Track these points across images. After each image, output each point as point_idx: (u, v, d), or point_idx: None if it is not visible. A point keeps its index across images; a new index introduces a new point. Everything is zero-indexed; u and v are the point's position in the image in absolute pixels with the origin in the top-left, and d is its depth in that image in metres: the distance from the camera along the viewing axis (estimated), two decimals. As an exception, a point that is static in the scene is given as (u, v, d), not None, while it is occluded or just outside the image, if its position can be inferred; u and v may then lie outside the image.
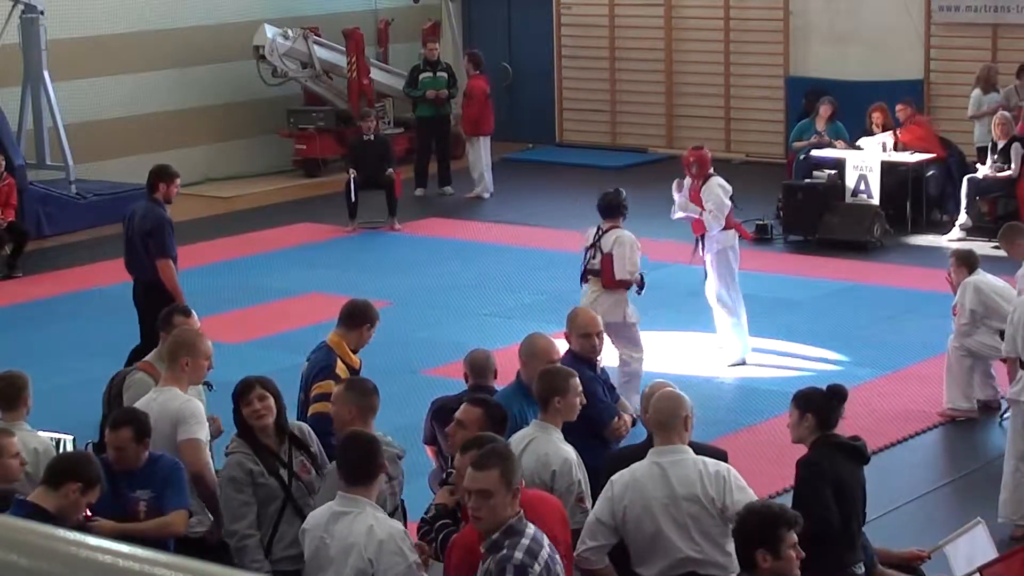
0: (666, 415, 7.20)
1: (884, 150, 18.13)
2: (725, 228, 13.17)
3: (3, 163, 17.51)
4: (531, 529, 6.06)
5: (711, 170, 13.31)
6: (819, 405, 7.62)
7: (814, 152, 18.71)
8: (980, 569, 7.52)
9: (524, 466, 7.29)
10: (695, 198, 13.22)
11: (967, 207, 17.81)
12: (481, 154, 20.90)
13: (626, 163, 22.58)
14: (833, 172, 18.06)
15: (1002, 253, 12.43)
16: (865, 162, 17.93)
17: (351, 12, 23.55)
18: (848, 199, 17.87)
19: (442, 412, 8.51)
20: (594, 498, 7.40)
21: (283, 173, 22.60)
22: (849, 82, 21.34)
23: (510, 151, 23.45)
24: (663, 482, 7.05)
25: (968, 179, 17.89)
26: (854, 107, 19.41)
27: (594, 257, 12.04)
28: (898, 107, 18.77)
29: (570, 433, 7.65)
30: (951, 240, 17.33)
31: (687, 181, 13.35)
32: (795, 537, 6.23)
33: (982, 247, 15.20)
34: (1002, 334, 11.63)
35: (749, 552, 6.26)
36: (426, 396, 9.56)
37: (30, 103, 19.59)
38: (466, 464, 6.54)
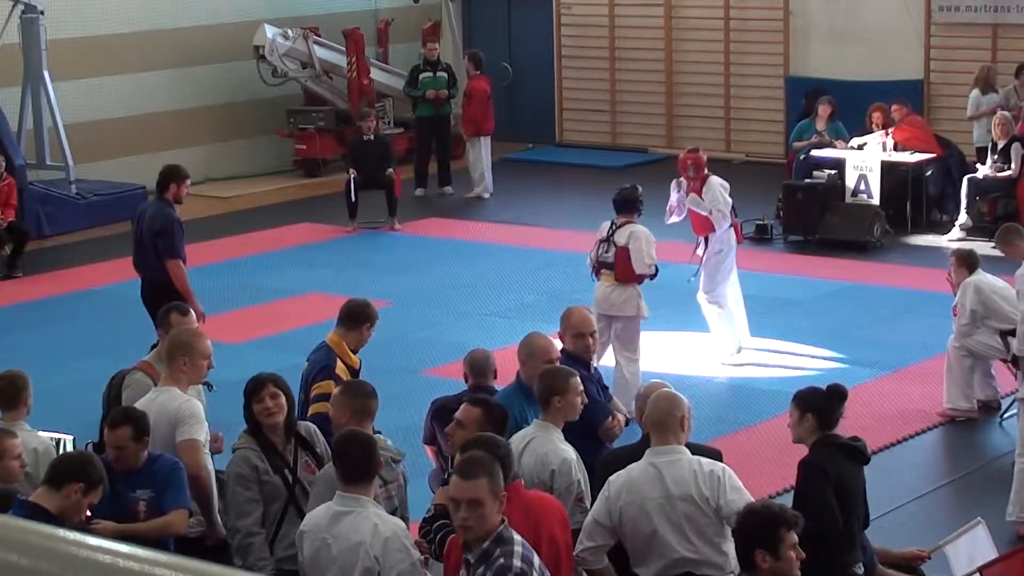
0: (662, 415, 7.20)
1: (884, 150, 18.12)
2: (712, 230, 13.30)
3: (3, 163, 17.52)
4: (517, 535, 6.06)
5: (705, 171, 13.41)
6: (820, 405, 7.62)
7: (814, 152, 18.71)
8: (980, 569, 7.52)
9: (524, 465, 7.30)
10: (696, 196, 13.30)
11: (967, 207, 17.81)
12: (482, 154, 20.90)
13: (626, 163, 22.58)
14: (833, 172, 18.06)
15: (1002, 253, 12.42)
16: (865, 162, 17.93)
17: (351, 12, 23.56)
18: (848, 199, 17.87)
19: (442, 412, 8.51)
20: (590, 498, 7.41)
21: (283, 173, 22.60)
22: (849, 82, 21.35)
23: (510, 151, 23.45)
24: (658, 482, 7.05)
25: (968, 179, 17.89)
26: (854, 107, 19.41)
27: (607, 251, 12.08)
28: (893, 107, 18.77)
29: (564, 432, 7.65)
30: (951, 240, 17.33)
31: (683, 182, 13.41)
32: (795, 538, 6.23)
33: (982, 247, 15.21)
34: (1002, 334, 11.66)
35: (749, 552, 6.26)
36: (426, 396, 9.56)
37: (30, 103, 19.59)
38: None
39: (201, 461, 7.87)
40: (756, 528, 6.27)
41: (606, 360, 12.10)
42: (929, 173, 18.36)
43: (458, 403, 7.88)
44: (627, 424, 8.95)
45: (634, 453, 7.57)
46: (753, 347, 13.79)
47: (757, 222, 18.02)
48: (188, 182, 12.34)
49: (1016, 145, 17.69)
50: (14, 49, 19.18)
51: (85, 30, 20.78)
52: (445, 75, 21.34)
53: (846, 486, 7.51)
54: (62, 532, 2.49)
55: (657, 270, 12.17)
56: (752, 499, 7.00)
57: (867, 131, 18.67)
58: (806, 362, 13.50)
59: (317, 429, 7.92)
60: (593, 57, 24.22)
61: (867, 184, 17.78)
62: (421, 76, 21.25)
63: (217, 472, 8.23)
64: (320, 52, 22.26)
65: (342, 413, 7.44)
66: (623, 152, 23.56)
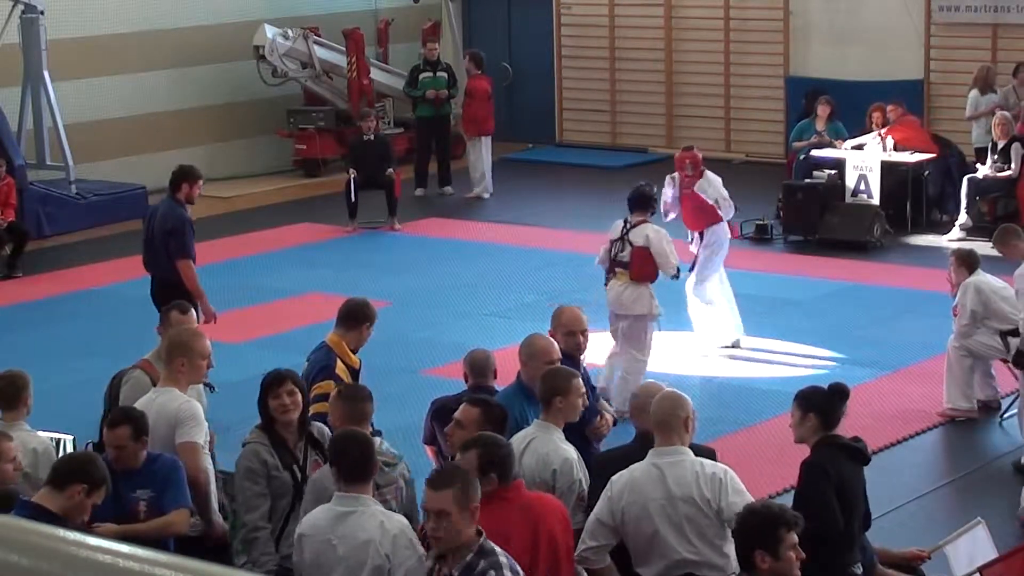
0: (665, 415, 7.20)
1: (884, 150, 18.12)
2: (716, 221, 13.39)
3: (3, 165, 17.51)
4: (496, 547, 6.05)
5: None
6: (822, 404, 7.62)
7: (814, 152, 18.71)
8: (980, 569, 7.52)
9: (525, 466, 7.31)
10: (691, 195, 13.37)
11: (967, 207, 17.81)
12: (482, 154, 20.90)
13: (626, 163, 22.58)
14: (833, 172, 18.06)
15: (1000, 254, 12.42)
16: (865, 162, 17.93)
17: (351, 12, 23.56)
18: (848, 199, 17.87)
19: (442, 412, 8.51)
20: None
21: (283, 173, 22.60)
22: (849, 82, 21.35)
23: (510, 151, 23.45)
24: (660, 483, 7.05)
25: (968, 179, 17.89)
26: (854, 107, 19.41)
27: (622, 250, 12.11)
28: (888, 107, 18.77)
29: None
30: (951, 240, 17.33)
31: (676, 177, 13.56)
32: (795, 538, 6.23)
33: (982, 247, 15.21)
34: (1002, 335, 11.66)
35: (748, 553, 6.25)
36: (426, 396, 9.56)
37: (30, 103, 19.59)
38: (468, 462, 6.55)
39: (200, 463, 7.87)
40: (756, 528, 6.26)
41: (596, 358, 12.08)
42: (927, 173, 18.36)
43: (458, 403, 7.88)
44: (615, 424, 8.93)
45: (628, 453, 7.57)
46: (753, 347, 13.80)
47: (757, 222, 18.02)
48: (201, 182, 12.35)
49: (1016, 145, 17.69)
50: (14, 49, 19.18)
51: (85, 30, 20.79)
52: (445, 75, 21.34)
53: (847, 487, 7.51)
54: (62, 532, 2.49)
55: (679, 271, 12.33)
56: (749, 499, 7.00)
57: (867, 131, 18.68)
58: (806, 362, 13.50)
59: (328, 430, 7.95)
60: (593, 57, 24.22)
61: (867, 184, 17.78)
62: (421, 76, 21.25)
63: (223, 472, 8.26)
64: (320, 52, 22.26)
65: (336, 418, 7.46)
66: (623, 152, 23.56)
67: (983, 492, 10.63)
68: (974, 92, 19.19)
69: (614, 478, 7.16)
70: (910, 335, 14.09)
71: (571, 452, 7.56)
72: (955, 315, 11.96)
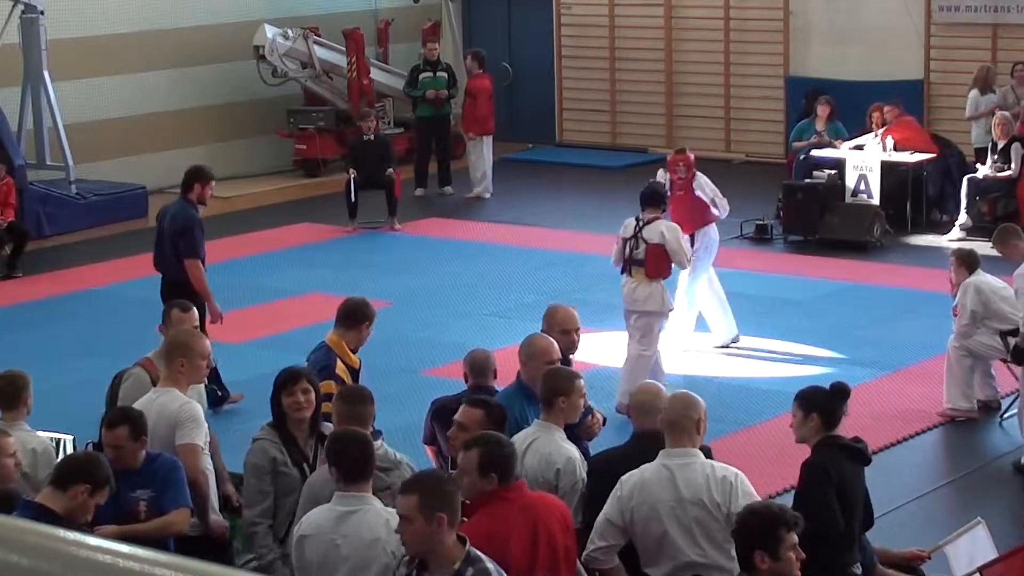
0: (677, 416, 7.17)
1: (884, 150, 18.11)
2: (708, 222, 13.42)
3: (4, 168, 17.51)
4: (482, 555, 6.01)
5: None
6: (824, 404, 7.61)
7: (814, 152, 18.70)
8: (980, 569, 7.51)
9: (527, 465, 7.30)
10: (686, 196, 13.51)
11: (967, 207, 17.80)
12: (484, 153, 20.91)
13: (626, 163, 22.58)
14: (833, 172, 18.06)
15: (999, 254, 12.42)
16: (865, 162, 17.93)
17: (351, 12, 23.55)
18: (848, 199, 17.87)
19: (442, 412, 8.51)
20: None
21: (283, 173, 22.60)
22: (849, 82, 21.35)
23: (510, 151, 23.45)
24: (670, 485, 7.03)
25: (968, 179, 17.89)
26: (854, 107, 19.41)
27: (636, 247, 12.14)
28: (886, 108, 18.77)
29: None
30: (951, 240, 17.33)
31: (666, 176, 13.74)
32: (795, 538, 6.22)
33: (982, 247, 15.20)
34: (1002, 335, 11.67)
35: (748, 553, 6.25)
36: (426, 396, 9.56)
37: (30, 103, 19.59)
38: (468, 461, 6.55)
39: (200, 465, 7.87)
40: (755, 529, 6.26)
41: (596, 359, 12.10)
42: (926, 173, 18.35)
43: (458, 403, 7.88)
44: (604, 423, 8.92)
45: (626, 454, 7.57)
46: (753, 347, 13.81)
47: (757, 222, 18.02)
48: (213, 183, 12.36)
49: (1016, 145, 17.69)
50: (14, 49, 19.19)
51: (85, 30, 20.78)
52: (445, 75, 21.34)
53: (847, 487, 7.51)
54: (62, 532, 2.49)
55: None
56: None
57: (867, 131, 18.67)
58: (806, 362, 13.50)
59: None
60: (593, 57, 24.21)
61: (867, 184, 17.78)
62: (421, 76, 21.24)
63: (232, 474, 8.29)
64: (320, 52, 22.26)
65: (337, 418, 7.46)
66: (623, 152, 23.55)
67: (983, 492, 10.63)
68: (974, 92, 19.19)
69: (624, 478, 7.14)
70: (910, 335, 14.09)
71: (574, 451, 7.56)
72: (955, 315, 11.97)
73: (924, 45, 21.48)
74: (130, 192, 20.09)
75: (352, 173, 18.81)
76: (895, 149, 18.21)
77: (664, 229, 12.14)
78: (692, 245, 13.42)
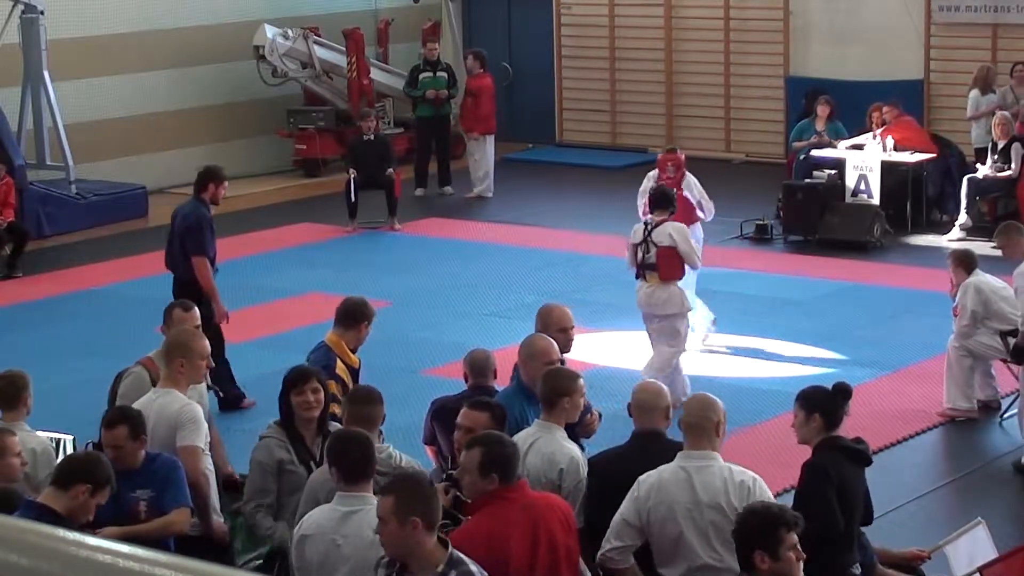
0: (697, 418, 7.14)
1: (884, 150, 18.11)
2: (693, 223, 13.53)
3: (4, 168, 17.51)
4: (465, 557, 6.00)
5: None
6: (826, 404, 7.61)
7: (814, 152, 18.70)
8: (980, 569, 7.51)
9: (529, 465, 7.29)
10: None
11: (967, 207, 17.81)
12: (487, 152, 20.93)
13: (626, 163, 22.57)
14: (833, 172, 18.06)
15: (1000, 249, 12.41)
16: (865, 162, 17.93)
17: (351, 12, 23.56)
18: (848, 199, 17.87)
19: (442, 412, 8.51)
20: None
21: (283, 173, 22.60)
22: (849, 82, 21.35)
23: (510, 151, 23.44)
24: (687, 487, 7.01)
25: (968, 179, 17.89)
26: (854, 107, 19.41)
27: (648, 252, 12.20)
28: (884, 108, 18.77)
29: None
30: (951, 240, 17.33)
31: (654, 175, 13.87)
32: (795, 538, 6.22)
33: (982, 247, 15.21)
34: (1002, 335, 11.67)
35: (748, 553, 6.25)
36: (426, 396, 9.56)
37: (30, 103, 19.59)
38: (470, 461, 6.55)
39: (200, 467, 7.87)
40: (755, 529, 6.25)
41: (588, 357, 12.10)
42: (926, 173, 18.35)
43: (458, 403, 7.87)
44: (600, 419, 8.91)
45: (625, 454, 7.57)
46: (753, 347, 13.81)
47: (757, 222, 18.02)
48: (226, 183, 12.43)
49: (1016, 145, 17.69)
50: (14, 49, 19.19)
51: (85, 30, 20.78)
52: (445, 75, 21.34)
53: (848, 489, 7.51)
54: (62, 532, 2.49)
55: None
56: None
57: (867, 131, 18.67)
58: (806, 362, 13.50)
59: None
60: (593, 57, 24.21)
61: (867, 184, 17.78)
62: (421, 76, 21.24)
63: (240, 475, 8.30)
64: (320, 52, 22.26)
65: (345, 420, 7.48)
66: (623, 152, 23.55)
67: (983, 492, 10.63)
68: (975, 92, 19.18)
69: (641, 478, 7.12)
70: (910, 335, 14.10)
71: (576, 451, 7.56)
72: (955, 315, 11.97)
73: (924, 45, 21.48)
74: (130, 192, 20.09)
75: (352, 173, 18.81)
76: (895, 149, 18.21)
77: (672, 231, 12.19)
78: None
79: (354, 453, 6.66)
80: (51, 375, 12.52)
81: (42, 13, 19.23)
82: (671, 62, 23.51)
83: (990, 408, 12.16)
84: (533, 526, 6.58)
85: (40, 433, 8.25)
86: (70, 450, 8.51)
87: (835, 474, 7.45)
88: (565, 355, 8.88)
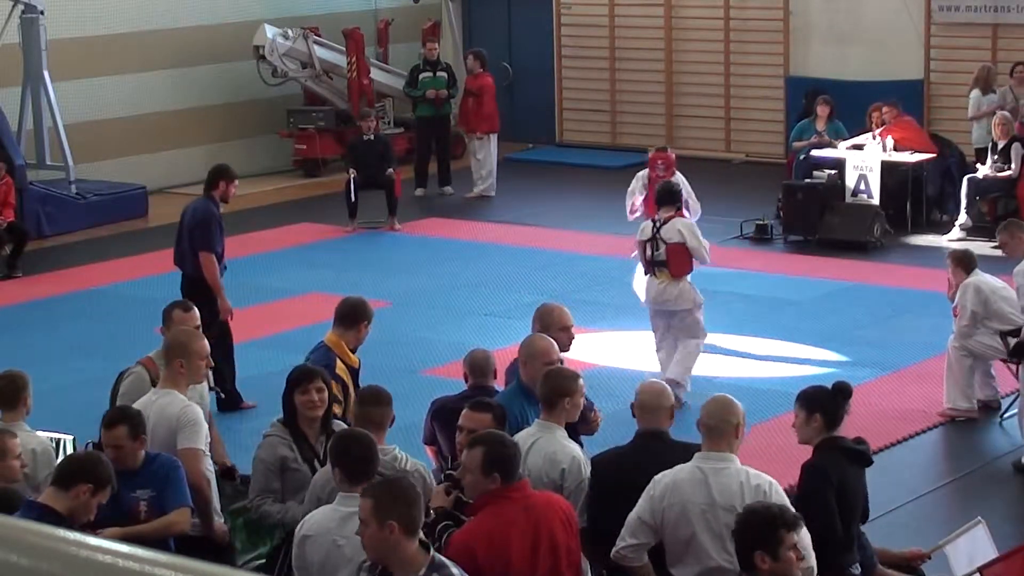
0: (717, 420, 7.13)
1: (884, 150, 18.11)
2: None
3: (4, 167, 17.51)
4: (447, 560, 6.00)
5: None
6: (826, 404, 7.61)
7: (814, 152, 18.70)
8: (980, 569, 7.51)
9: (531, 465, 7.29)
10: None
11: (967, 207, 17.81)
12: (491, 151, 20.95)
13: (626, 163, 22.52)
14: (833, 172, 18.06)
15: (1001, 253, 12.41)
16: (865, 162, 17.93)
17: (351, 12, 23.56)
18: (848, 199, 17.87)
19: (442, 412, 8.51)
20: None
21: (283, 173, 22.59)
22: (849, 82, 21.35)
23: (510, 151, 23.44)
24: (703, 488, 7.00)
25: (968, 179, 17.89)
26: (854, 107, 19.41)
27: (657, 249, 12.25)
28: (884, 108, 18.77)
29: None
30: (951, 240, 17.33)
31: (643, 176, 14.02)
32: (795, 538, 6.22)
33: (982, 247, 15.21)
34: (1002, 335, 11.67)
35: (748, 553, 6.25)
36: (426, 396, 9.56)
37: (30, 103, 19.59)
38: (472, 460, 6.55)
39: (201, 470, 7.87)
40: (755, 529, 6.25)
41: (588, 357, 12.09)
42: (926, 173, 18.35)
43: (458, 403, 7.87)
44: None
45: (628, 453, 7.56)
46: (753, 347, 13.81)
47: (757, 222, 18.02)
48: (237, 182, 12.47)
49: (1016, 145, 17.69)
50: (14, 49, 19.19)
51: (85, 30, 20.78)
52: (445, 75, 21.35)
53: (848, 490, 7.51)
54: (62, 532, 2.49)
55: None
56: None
57: (867, 131, 18.67)
58: (806, 362, 13.50)
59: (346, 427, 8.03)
60: (593, 57, 24.21)
61: (867, 184, 17.78)
62: (421, 76, 21.25)
63: (243, 476, 8.29)
64: (320, 52, 22.26)
65: (354, 420, 7.51)
66: (623, 152, 23.54)
67: (983, 492, 10.63)
68: (976, 92, 19.18)
69: (657, 477, 7.12)
70: (910, 335, 14.10)
71: (578, 451, 7.56)
72: (955, 316, 11.97)
73: (924, 45, 21.48)
74: (130, 192, 20.09)
75: (352, 173, 18.81)
76: (895, 149, 18.21)
77: (681, 227, 12.27)
78: None
79: (356, 453, 6.67)
80: (51, 375, 12.52)
81: (42, 13, 19.23)
82: (671, 62, 23.51)
83: (990, 408, 12.16)
84: (534, 526, 6.58)
85: (40, 433, 8.25)
86: (70, 450, 8.51)
87: (835, 475, 7.45)
88: (564, 354, 8.90)
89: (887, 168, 17.85)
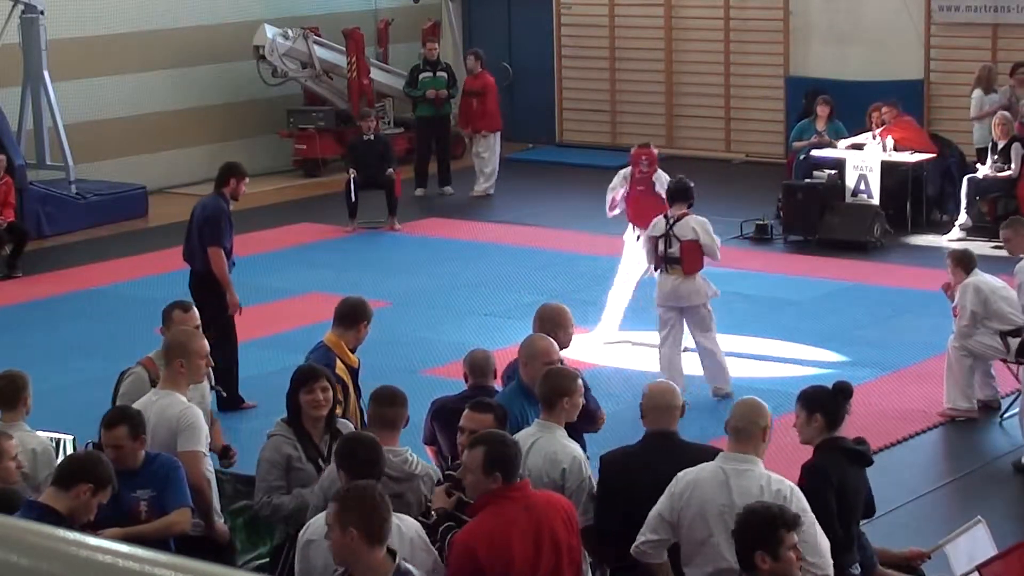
0: (745, 422, 7.10)
1: (884, 150, 18.11)
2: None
3: (4, 162, 17.51)
4: (412, 568, 5.98)
5: None
6: (827, 404, 7.61)
7: (814, 152, 18.70)
8: (978, 567, 7.51)
9: (531, 465, 7.28)
10: (645, 191, 13.84)
11: (967, 207, 17.81)
12: (495, 149, 20.95)
13: (626, 163, 22.50)
14: (833, 172, 18.06)
15: (1001, 252, 12.42)
16: (865, 162, 17.93)
17: (351, 12, 23.56)
18: (848, 199, 17.87)
19: (442, 412, 8.51)
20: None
21: (283, 173, 22.59)
22: (849, 82, 21.35)
23: (510, 151, 23.43)
24: (723, 489, 6.99)
25: (968, 179, 17.89)
26: (854, 107, 19.41)
27: (670, 246, 12.26)
28: (883, 108, 18.76)
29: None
30: (951, 240, 17.33)
31: (627, 174, 14.12)
32: (795, 538, 6.22)
33: (982, 247, 15.21)
34: (1002, 335, 11.67)
35: (748, 553, 6.25)
36: (426, 396, 9.55)
37: (30, 103, 19.59)
38: (473, 460, 6.55)
39: (202, 471, 7.87)
40: (756, 529, 6.25)
41: (587, 357, 12.09)
42: (926, 173, 18.34)
43: (458, 403, 7.87)
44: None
45: (637, 452, 7.56)
46: (753, 347, 13.82)
47: (757, 222, 18.03)
48: (247, 180, 12.49)
49: (1016, 145, 17.68)
50: (14, 49, 19.19)
51: (85, 30, 20.78)
52: (445, 75, 21.35)
53: (848, 491, 7.51)
54: (62, 532, 2.49)
55: None
56: (815, 522, 6.90)
57: (867, 131, 18.67)
58: (806, 362, 13.50)
59: (352, 426, 8.02)
60: (593, 57, 24.21)
61: (867, 184, 17.78)
62: (421, 76, 21.25)
63: (243, 476, 8.30)
64: (320, 52, 22.26)
65: (369, 421, 7.53)
66: (623, 152, 23.44)
67: (983, 492, 10.63)
68: (978, 92, 19.17)
69: (680, 475, 7.10)
70: (910, 335, 14.10)
71: (578, 450, 7.56)
72: (955, 316, 11.97)
73: (924, 45, 21.48)
74: (130, 192, 20.09)
75: (352, 173, 18.81)
76: (895, 149, 18.21)
77: (695, 225, 12.30)
78: (639, 240, 13.54)
79: (360, 455, 6.67)
80: (51, 375, 12.53)
81: (42, 13, 19.23)
82: (671, 62, 23.51)
83: (990, 408, 12.16)
84: (536, 525, 6.58)
85: (40, 433, 8.24)
86: (70, 450, 8.51)
87: (835, 476, 7.45)
88: (564, 354, 8.90)
89: (887, 168, 17.85)
